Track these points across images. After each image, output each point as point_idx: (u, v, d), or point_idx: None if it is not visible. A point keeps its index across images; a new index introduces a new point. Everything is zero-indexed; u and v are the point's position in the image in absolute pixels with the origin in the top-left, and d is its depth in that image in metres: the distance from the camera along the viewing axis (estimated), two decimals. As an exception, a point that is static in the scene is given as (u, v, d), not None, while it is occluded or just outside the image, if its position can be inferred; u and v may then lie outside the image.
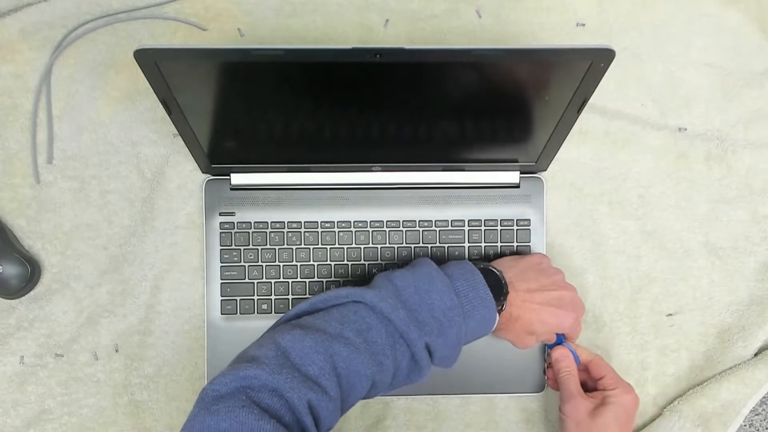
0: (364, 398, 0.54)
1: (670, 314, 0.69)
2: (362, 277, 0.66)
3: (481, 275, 0.56)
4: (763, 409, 0.71)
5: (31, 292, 0.66)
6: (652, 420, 0.68)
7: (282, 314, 0.56)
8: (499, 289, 0.58)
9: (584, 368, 0.65)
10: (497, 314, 0.57)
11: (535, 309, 0.59)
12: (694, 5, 0.70)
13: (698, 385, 0.68)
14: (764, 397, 0.70)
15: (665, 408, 0.68)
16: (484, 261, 0.65)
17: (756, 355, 0.69)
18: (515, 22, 0.69)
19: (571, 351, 0.64)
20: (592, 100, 0.69)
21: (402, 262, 0.66)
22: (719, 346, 0.69)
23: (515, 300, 0.59)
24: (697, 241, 0.70)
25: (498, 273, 0.59)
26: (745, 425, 0.71)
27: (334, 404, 0.50)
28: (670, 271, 0.69)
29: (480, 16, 0.69)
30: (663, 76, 0.70)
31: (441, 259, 0.67)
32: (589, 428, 0.59)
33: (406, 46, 0.47)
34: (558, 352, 0.64)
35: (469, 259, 0.65)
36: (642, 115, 0.70)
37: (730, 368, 0.68)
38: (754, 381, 0.66)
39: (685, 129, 0.70)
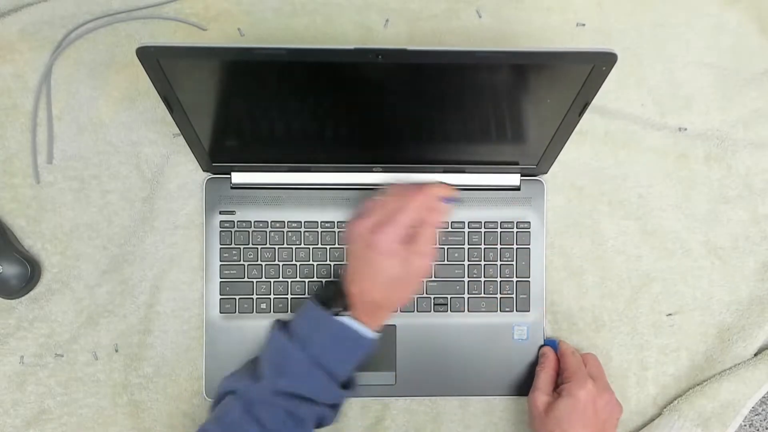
0: None
1: (670, 314, 0.69)
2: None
3: (328, 326, 0.57)
4: (763, 409, 0.71)
5: (31, 292, 0.66)
6: (652, 420, 0.68)
7: (276, 318, 0.58)
8: (334, 301, 0.58)
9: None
10: (356, 324, 0.57)
11: None
12: (694, 5, 0.70)
13: (698, 385, 0.68)
14: (764, 397, 0.70)
15: (665, 408, 0.68)
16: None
17: (756, 354, 0.69)
18: (515, 22, 0.69)
19: (554, 345, 0.66)
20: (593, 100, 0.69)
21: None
22: (719, 346, 0.69)
23: None
24: (697, 240, 0.70)
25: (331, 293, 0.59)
26: (745, 425, 0.71)
27: None
28: (670, 270, 0.69)
29: (480, 16, 0.69)
30: (663, 76, 0.70)
31: (438, 261, 0.67)
32: (542, 422, 0.60)
33: (409, 47, 0.47)
34: (542, 350, 0.66)
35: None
36: (642, 115, 0.70)
37: (730, 368, 0.68)
38: (754, 381, 0.66)
39: (685, 129, 0.70)
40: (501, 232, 0.67)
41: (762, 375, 0.66)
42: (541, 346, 0.67)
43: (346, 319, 0.57)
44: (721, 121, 0.70)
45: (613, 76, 0.69)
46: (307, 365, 0.55)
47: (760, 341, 0.68)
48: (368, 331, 0.57)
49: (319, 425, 0.58)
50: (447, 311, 0.67)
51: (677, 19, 0.70)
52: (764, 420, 0.71)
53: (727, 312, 0.69)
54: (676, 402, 0.67)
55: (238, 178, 0.66)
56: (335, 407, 0.59)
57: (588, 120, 0.69)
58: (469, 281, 0.67)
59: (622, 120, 0.69)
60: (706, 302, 0.69)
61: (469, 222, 0.67)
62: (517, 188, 0.67)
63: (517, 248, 0.67)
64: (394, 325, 0.67)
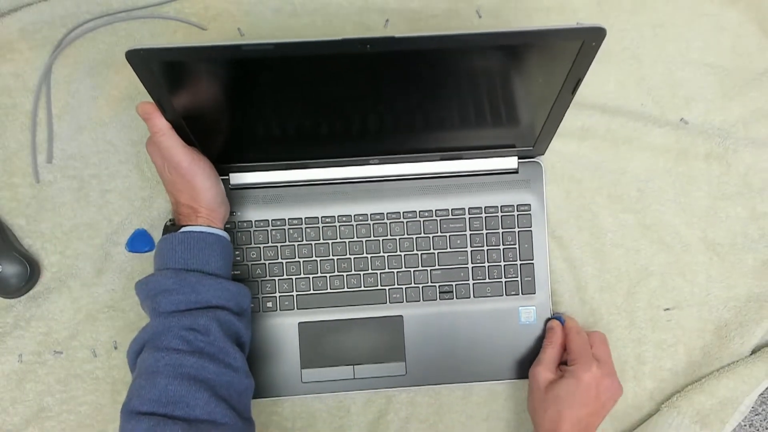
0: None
1: (668, 309, 0.69)
2: (365, 270, 0.66)
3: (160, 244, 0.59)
4: (763, 409, 0.71)
5: (30, 291, 0.66)
6: (650, 416, 0.68)
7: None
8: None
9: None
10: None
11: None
12: (694, 5, 0.70)
13: (696, 381, 0.68)
14: (764, 398, 0.70)
15: (663, 404, 0.68)
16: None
17: (754, 352, 0.69)
18: (515, 22, 0.69)
19: (561, 320, 0.66)
20: (593, 99, 0.69)
21: (405, 252, 0.67)
22: (716, 342, 0.69)
23: None
24: (695, 236, 0.70)
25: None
26: (744, 425, 0.71)
27: None
28: (668, 265, 0.69)
29: (480, 16, 0.69)
30: (663, 76, 0.70)
31: (441, 249, 0.67)
32: (541, 397, 0.61)
33: (396, 35, 0.46)
34: (550, 323, 0.66)
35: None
36: (642, 115, 0.70)
37: (728, 365, 0.68)
38: (752, 378, 0.66)
39: (686, 122, 0.70)
40: (502, 216, 0.67)
41: (760, 372, 0.66)
42: (548, 320, 0.67)
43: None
44: (722, 121, 0.70)
45: (613, 76, 0.70)
46: (170, 275, 0.56)
47: (757, 338, 0.68)
48: (195, 227, 0.58)
49: (237, 336, 0.58)
50: (453, 299, 0.67)
51: (677, 19, 0.70)
52: (764, 420, 0.72)
53: (724, 308, 0.69)
54: (674, 398, 0.68)
55: (236, 178, 0.66)
56: (237, 314, 0.58)
57: (589, 117, 0.69)
58: (473, 267, 0.67)
59: (623, 117, 0.69)
60: (703, 298, 0.69)
61: (469, 208, 0.67)
62: (515, 171, 0.68)
63: (518, 231, 0.67)
64: (401, 315, 0.67)
